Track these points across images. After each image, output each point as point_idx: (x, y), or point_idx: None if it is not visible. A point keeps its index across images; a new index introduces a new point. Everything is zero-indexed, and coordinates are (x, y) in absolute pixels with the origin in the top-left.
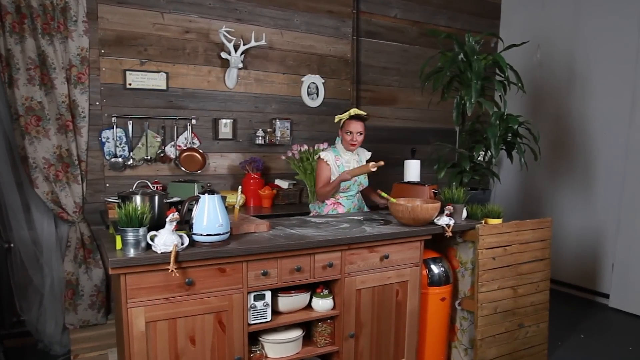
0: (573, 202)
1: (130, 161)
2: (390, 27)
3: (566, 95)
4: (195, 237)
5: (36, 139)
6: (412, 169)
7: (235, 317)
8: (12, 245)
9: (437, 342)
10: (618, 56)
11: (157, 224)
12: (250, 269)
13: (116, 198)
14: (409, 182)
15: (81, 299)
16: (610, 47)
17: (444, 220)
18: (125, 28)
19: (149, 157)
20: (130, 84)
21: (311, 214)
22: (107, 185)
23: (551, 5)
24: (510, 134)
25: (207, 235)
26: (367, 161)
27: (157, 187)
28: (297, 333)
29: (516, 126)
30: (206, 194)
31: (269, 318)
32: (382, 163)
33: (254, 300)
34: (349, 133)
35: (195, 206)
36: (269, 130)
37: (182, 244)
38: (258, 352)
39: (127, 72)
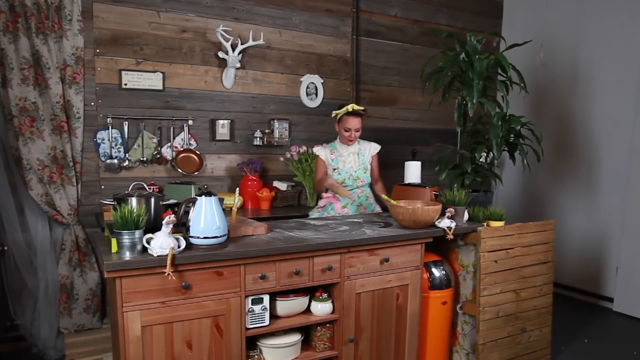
0: (576, 204)
1: (126, 162)
2: (390, 26)
3: (569, 95)
4: (192, 240)
5: (30, 140)
6: (413, 171)
7: (233, 321)
8: (5, 248)
9: (438, 347)
10: (622, 56)
11: (154, 227)
12: (248, 273)
13: (112, 200)
14: (409, 184)
15: (76, 302)
16: (614, 47)
17: (445, 223)
18: (120, 27)
19: (145, 159)
20: (126, 84)
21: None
22: (103, 187)
23: (554, 4)
24: (512, 135)
25: (204, 238)
26: (374, 155)
27: (153, 189)
28: (295, 337)
29: (519, 127)
30: (203, 196)
31: (267, 322)
32: (354, 199)
33: (252, 304)
34: (347, 130)
35: (192, 208)
36: (267, 131)
37: (179, 247)
38: (256, 356)
39: (123, 72)
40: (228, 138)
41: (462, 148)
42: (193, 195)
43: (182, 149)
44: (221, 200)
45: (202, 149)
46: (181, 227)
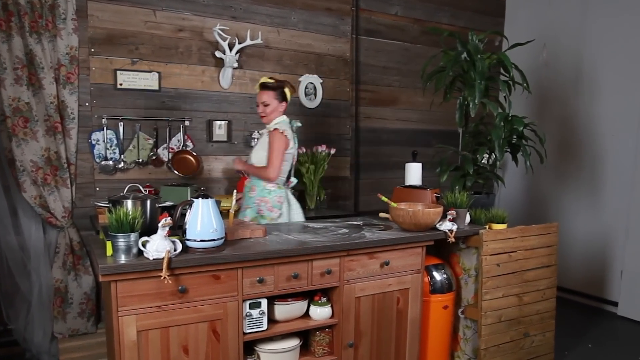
0: (580, 206)
1: (121, 164)
2: (390, 25)
3: (573, 95)
4: (189, 243)
5: (24, 141)
6: (414, 173)
7: (230, 325)
8: None
9: (439, 352)
10: (627, 55)
11: (149, 230)
12: (245, 276)
13: (107, 202)
14: (410, 186)
15: (70, 307)
16: (619, 46)
17: (446, 226)
18: (116, 26)
19: (140, 160)
20: (121, 84)
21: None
22: (97, 189)
23: (558, 3)
24: (515, 136)
25: (201, 241)
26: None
27: (149, 191)
28: (294, 342)
29: (521, 128)
30: (200, 198)
31: (265, 327)
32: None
33: (250, 308)
34: (257, 104)
35: (188, 211)
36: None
37: (175, 250)
38: None
39: (118, 72)
40: (225, 139)
41: (463, 149)
42: (189, 198)
43: (178, 150)
44: (218, 203)
45: (199, 150)
46: (177, 230)
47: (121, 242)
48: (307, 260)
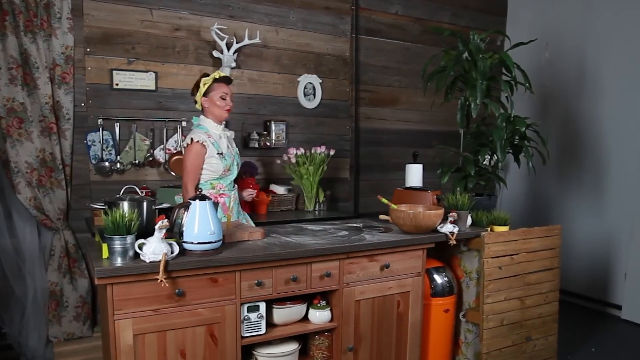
0: (583, 208)
1: (118, 165)
2: (391, 24)
3: (576, 95)
4: (186, 246)
5: (18, 142)
6: (414, 174)
7: (228, 329)
8: None
9: (440, 356)
10: (631, 54)
11: (146, 232)
12: (243, 279)
13: (102, 204)
14: (410, 188)
15: (66, 310)
16: (623, 45)
17: (447, 228)
18: (112, 25)
19: (137, 161)
20: (117, 84)
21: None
22: (93, 190)
23: (561, 1)
24: (517, 137)
25: (198, 243)
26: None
27: (145, 192)
28: (293, 346)
29: (523, 128)
30: (197, 200)
31: (263, 330)
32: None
33: (248, 311)
34: (223, 97)
35: (185, 213)
36: (263, 133)
37: (172, 253)
38: None
39: (114, 72)
40: None
41: (465, 150)
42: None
43: (175, 152)
44: (216, 205)
45: None
46: (174, 232)
47: (117, 244)
48: (306, 263)
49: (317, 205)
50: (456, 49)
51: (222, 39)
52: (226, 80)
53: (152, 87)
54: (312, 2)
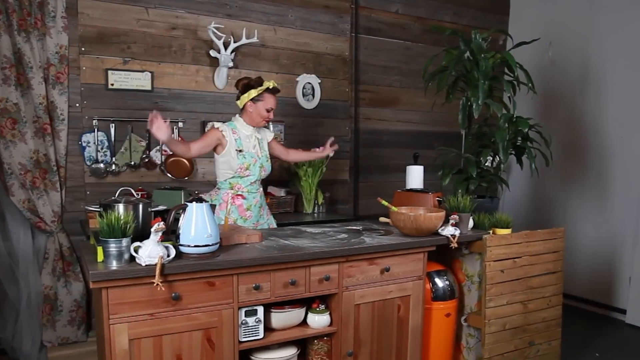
0: (587, 210)
1: (113, 167)
2: (391, 23)
3: (580, 96)
4: (182, 249)
5: (12, 143)
6: (415, 176)
7: (225, 334)
8: None
9: None
10: (636, 53)
11: (142, 235)
12: (241, 283)
13: (97, 206)
14: (411, 190)
15: (60, 314)
16: (627, 43)
17: (449, 231)
18: (107, 24)
19: (132, 163)
20: (112, 84)
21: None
22: (88, 192)
23: (564, 0)
24: (519, 138)
25: (195, 246)
26: (271, 141)
27: (141, 194)
28: (291, 351)
29: (526, 129)
30: (194, 202)
31: (261, 335)
32: None
33: (245, 316)
34: (269, 110)
35: (182, 215)
36: None
37: (168, 256)
38: None
39: (109, 72)
40: None
41: (466, 152)
42: (183, 202)
43: (171, 153)
44: (213, 207)
45: None
46: (171, 235)
47: (112, 247)
48: (305, 266)
49: (316, 208)
50: (458, 48)
51: (219, 38)
52: (277, 92)
53: (148, 87)
54: (311, 1)
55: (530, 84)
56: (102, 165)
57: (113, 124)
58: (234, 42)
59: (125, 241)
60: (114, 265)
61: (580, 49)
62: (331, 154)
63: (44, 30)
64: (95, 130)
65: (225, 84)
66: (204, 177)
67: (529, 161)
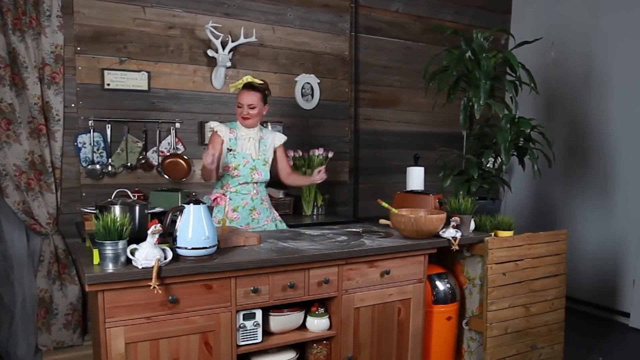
0: (590, 212)
1: (109, 168)
2: (391, 22)
3: (583, 96)
4: (180, 251)
5: (6, 144)
6: (416, 177)
7: (223, 337)
8: None
9: None
10: (639, 53)
11: (138, 237)
12: (239, 286)
13: (93, 208)
14: (412, 191)
15: (55, 318)
16: (630, 43)
17: (450, 233)
18: (103, 23)
19: (129, 164)
20: (108, 84)
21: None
22: (84, 194)
23: None
24: (522, 139)
25: (192, 248)
26: (278, 147)
27: (137, 196)
28: (290, 355)
29: (528, 130)
30: (191, 204)
31: (259, 339)
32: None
33: (244, 319)
34: (239, 106)
35: (179, 217)
36: None
37: (165, 259)
38: None
39: (106, 72)
40: None
41: (468, 153)
42: (180, 203)
43: (168, 154)
44: (210, 209)
45: (190, 153)
46: (168, 237)
47: (109, 250)
48: (304, 269)
49: (315, 210)
50: (459, 48)
51: (217, 37)
52: (247, 88)
53: (145, 87)
54: (310, 0)
55: (532, 84)
56: (98, 166)
57: (109, 125)
58: (232, 41)
59: (121, 243)
60: (110, 268)
61: (583, 48)
62: (318, 181)
63: (39, 29)
64: (91, 130)
65: (223, 84)
66: (201, 179)
67: (531, 162)
